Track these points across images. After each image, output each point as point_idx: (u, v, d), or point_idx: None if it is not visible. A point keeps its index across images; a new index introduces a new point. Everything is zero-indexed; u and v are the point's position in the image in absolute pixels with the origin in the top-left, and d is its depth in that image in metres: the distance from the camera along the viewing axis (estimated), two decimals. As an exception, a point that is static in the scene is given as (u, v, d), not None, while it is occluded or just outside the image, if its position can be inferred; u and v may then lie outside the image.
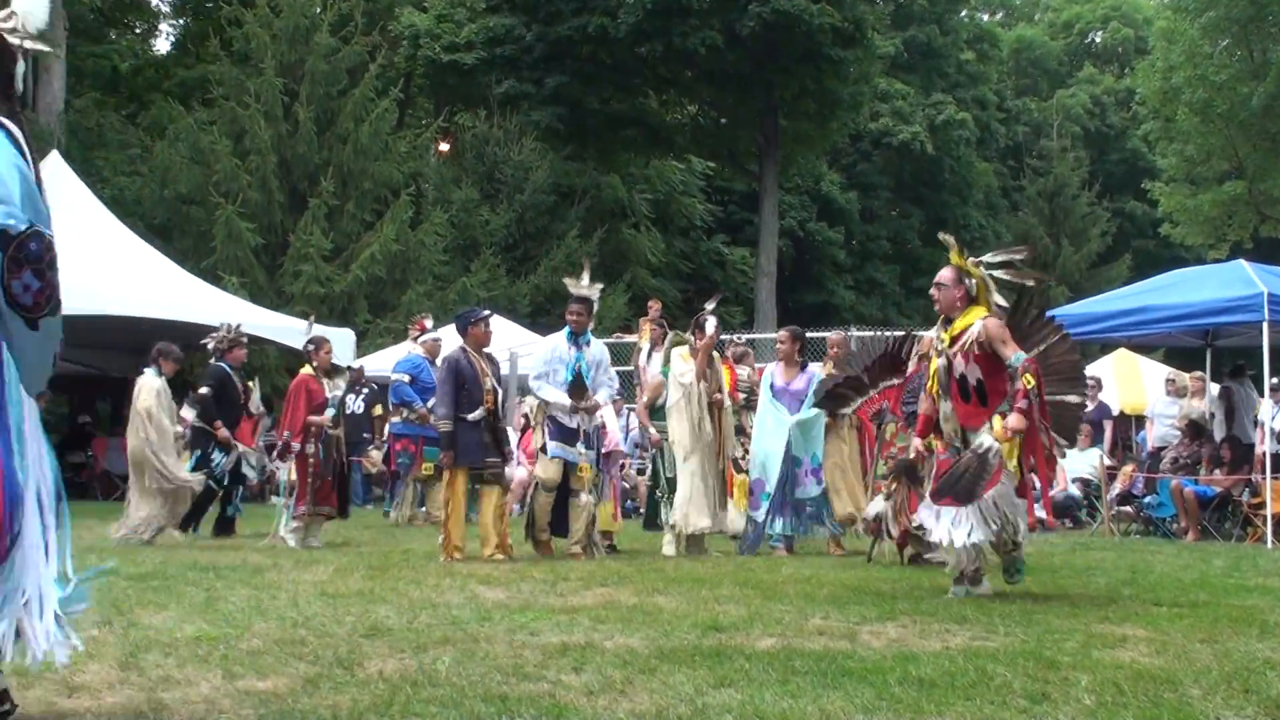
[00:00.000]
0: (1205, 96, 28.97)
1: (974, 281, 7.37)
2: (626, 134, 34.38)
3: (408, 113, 35.31)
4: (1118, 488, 14.62)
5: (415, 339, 15.34)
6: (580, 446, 9.96)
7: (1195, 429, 14.48)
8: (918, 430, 7.82)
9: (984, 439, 7.06)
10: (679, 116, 36.89)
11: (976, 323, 7.19)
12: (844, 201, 42.80)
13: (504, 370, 12.04)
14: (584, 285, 10.25)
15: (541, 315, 26.27)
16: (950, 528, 7.06)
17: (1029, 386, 6.98)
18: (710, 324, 10.61)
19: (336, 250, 24.21)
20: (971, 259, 7.44)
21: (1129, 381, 20.57)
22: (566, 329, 10.28)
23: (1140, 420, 18.12)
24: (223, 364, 12.30)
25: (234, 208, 22.70)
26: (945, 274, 7.44)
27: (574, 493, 10.01)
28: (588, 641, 5.48)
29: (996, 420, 7.09)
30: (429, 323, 15.50)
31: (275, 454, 12.12)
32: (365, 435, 16.46)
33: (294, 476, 11.02)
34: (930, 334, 8.19)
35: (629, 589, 7.44)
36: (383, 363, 19.77)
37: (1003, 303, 7.44)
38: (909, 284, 43.78)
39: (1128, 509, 14.25)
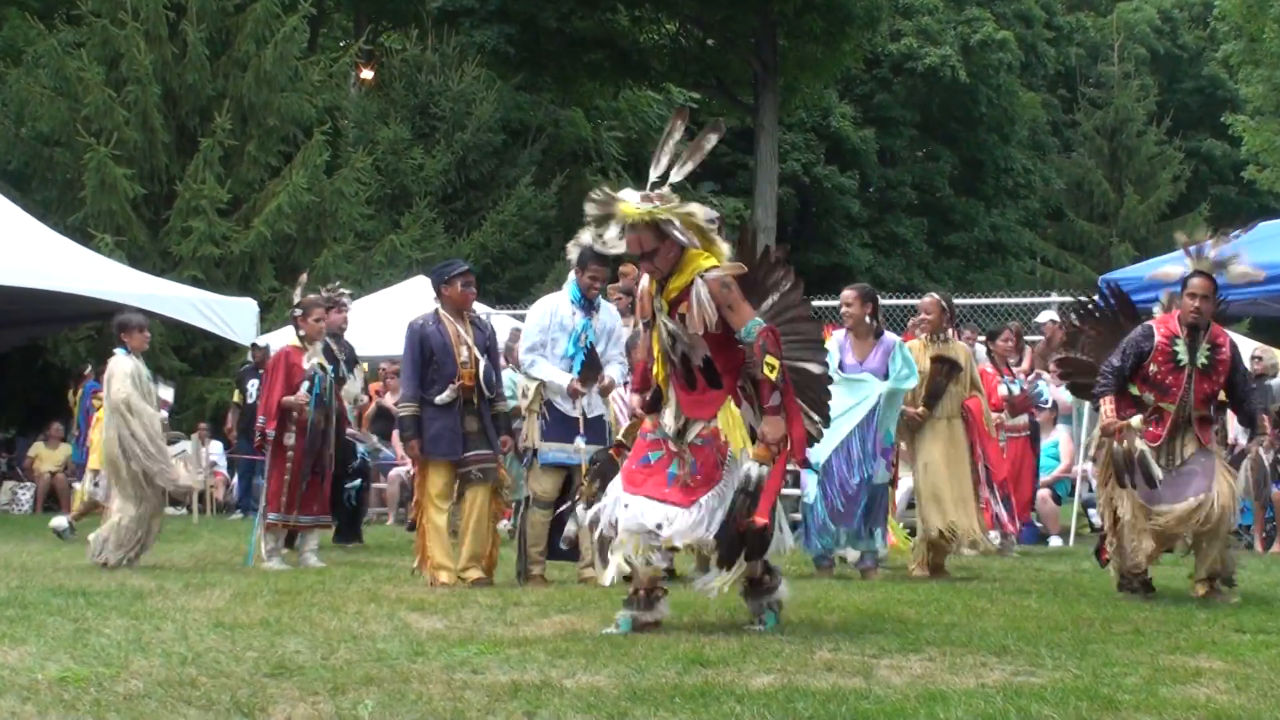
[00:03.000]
0: (1300, 10, 29.06)
1: (673, 223, 6.83)
2: (591, 58, 34.32)
3: (322, 32, 35.12)
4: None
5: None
6: (580, 441, 9.53)
7: (1286, 417, 14.53)
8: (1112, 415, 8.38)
9: (750, 469, 6.74)
10: (655, 37, 36.86)
11: (696, 280, 6.78)
12: (858, 140, 42.84)
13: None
14: (611, 238, 9.06)
15: (488, 280, 26.21)
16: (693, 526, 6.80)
17: (772, 373, 6.70)
18: None
19: (235, 202, 24.08)
20: (659, 195, 6.95)
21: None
22: (571, 286, 9.75)
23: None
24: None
25: (107, 150, 22.54)
26: (629, 236, 6.93)
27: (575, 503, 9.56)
28: (544, 680, 5.49)
29: (722, 421, 6.97)
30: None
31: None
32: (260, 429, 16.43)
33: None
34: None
35: (594, 616, 7.45)
36: (291, 339, 19.71)
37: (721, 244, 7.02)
38: (938, 240, 43.89)
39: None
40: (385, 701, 5.02)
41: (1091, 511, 14.74)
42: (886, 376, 10.23)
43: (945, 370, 10.63)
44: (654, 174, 6.99)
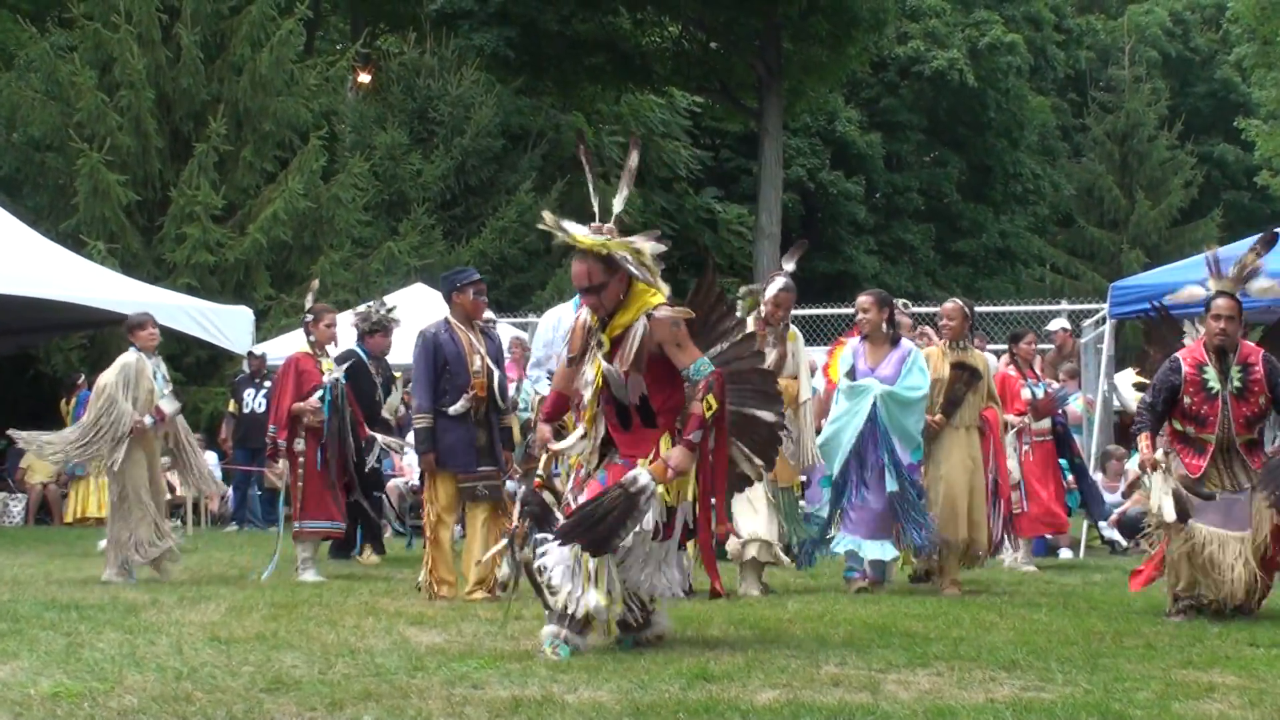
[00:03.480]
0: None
1: (627, 257, 6.79)
2: (592, 62, 34.31)
3: (318, 36, 35.16)
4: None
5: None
6: None
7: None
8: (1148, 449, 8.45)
9: (639, 475, 6.67)
10: (658, 40, 36.84)
11: (640, 319, 6.77)
12: (865, 145, 42.85)
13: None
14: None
15: (489, 288, 26.12)
16: (571, 579, 6.66)
17: (708, 412, 6.70)
18: (774, 286, 10.19)
19: (230, 209, 24.06)
20: (608, 228, 6.94)
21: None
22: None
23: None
24: (358, 347, 12.53)
25: (100, 155, 22.53)
26: (579, 267, 6.84)
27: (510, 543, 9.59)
28: (545, 695, 5.50)
29: (664, 445, 6.83)
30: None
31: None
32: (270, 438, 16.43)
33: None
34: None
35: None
36: (289, 349, 19.73)
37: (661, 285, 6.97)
38: (946, 247, 43.89)
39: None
40: (383, 717, 5.03)
41: (1102, 525, 14.79)
42: None
43: (965, 378, 10.52)
44: (617, 205, 7.04)
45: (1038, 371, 13.42)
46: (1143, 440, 8.57)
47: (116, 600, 9.02)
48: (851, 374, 10.34)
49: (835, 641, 7.15)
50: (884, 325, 10.39)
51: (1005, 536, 11.08)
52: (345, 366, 11.55)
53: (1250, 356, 8.61)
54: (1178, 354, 8.75)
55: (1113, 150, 42.97)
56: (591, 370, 6.93)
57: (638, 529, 6.63)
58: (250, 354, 18.04)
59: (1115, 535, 14.85)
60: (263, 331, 20.27)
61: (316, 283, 12.68)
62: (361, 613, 8.37)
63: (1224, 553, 8.39)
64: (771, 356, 10.03)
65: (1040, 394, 12.79)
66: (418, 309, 15.61)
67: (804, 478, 10.48)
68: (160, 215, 23.64)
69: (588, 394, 6.98)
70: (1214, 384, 8.50)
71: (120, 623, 7.76)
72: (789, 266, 10.35)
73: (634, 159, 7.18)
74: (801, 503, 10.45)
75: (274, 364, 17.74)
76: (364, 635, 7.31)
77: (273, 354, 18.62)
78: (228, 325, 17.92)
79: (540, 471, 7.28)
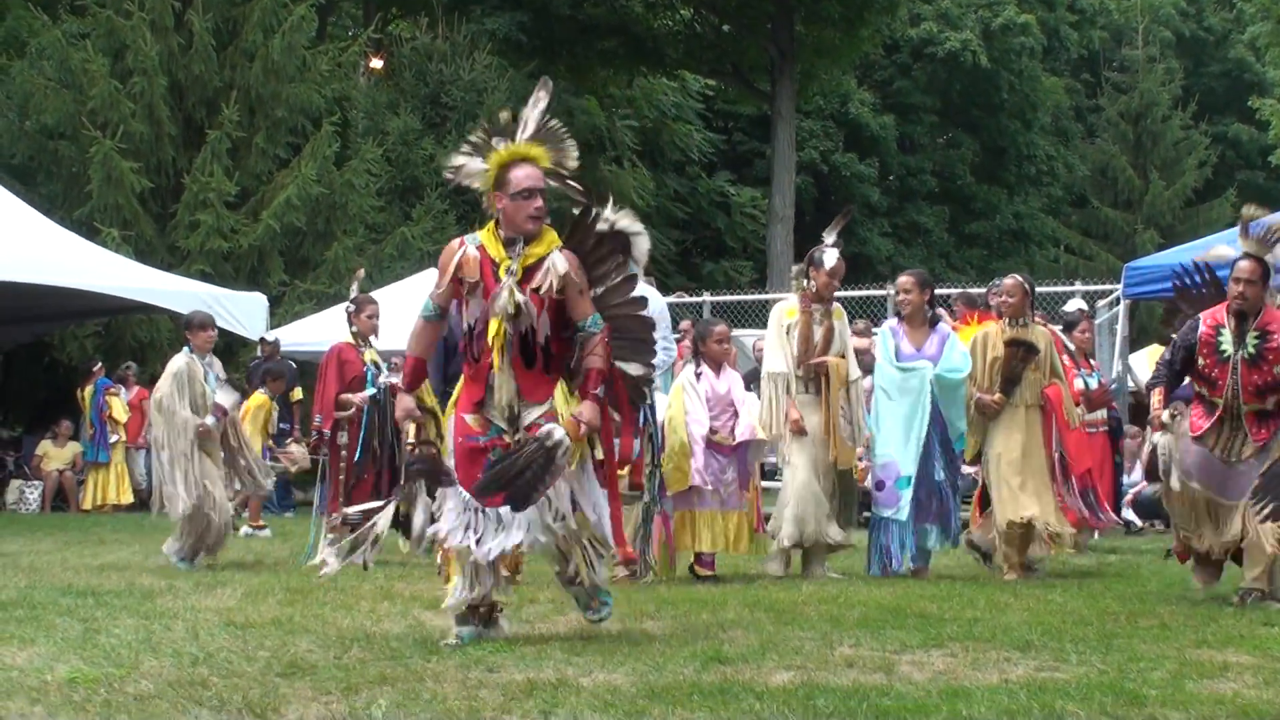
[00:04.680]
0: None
1: (569, 179, 6.88)
2: (604, 46, 34.26)
3: (330, 22, 35.11)
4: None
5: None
6: None
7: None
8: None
9: (554, 430, 6.48)
10: (670, 23, 36.76)
11: (553, 252, 6.62)
12: (878, 127, 42.75)
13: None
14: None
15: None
16: (493, 535, 6.50)
17: (600, 366, 6.59)
18: (830, 257, 10.04)
19: (243, 195, 24.08)
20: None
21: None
22: None
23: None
24: None
25: (113, 143, 22.56)
26: (531, 169, 6.74)
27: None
28: (560, 679, 5.50)
29: (561, 403, 6.62)
30: None
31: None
32: (283, 426, 16.47)
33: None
34: None
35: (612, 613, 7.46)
36: (303, 335, 19.77)
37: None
38: (960, 229, 43.79)
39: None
40: (399, 701, 5.04)
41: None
42: None
43: (1020, 354, 10.11)
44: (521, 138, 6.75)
45: (1092, 362, 13.05)
46: (1155, 395, 8.50)
47: (132, 586, 9.05)
48: (896, 356, 10.20)
49: (850, 623, 7.15)
50: (925, 307, 10.30)
51: (1096, 514, 10.74)
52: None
53: (1270, 324, 8.25)
54: (1202, 313, 8.52)
55: (1126, 131, 42.89)
56: (503, 301, 6.51)
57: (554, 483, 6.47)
58: (263, 340, 18.05)
59: (1131, 515, 14.82)
60: (277, 317, 20.29)
61: (361, 272, 12.56)
62: (376, 597, 8.38)
63: (1217, 512, 8.33)
64: (819, 333, 10.03)
65: (1094, 384, 12.35)
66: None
67: (863, 462, 10.38)
68: (174, 202, 23.65)
69: (492, 329, 6.56)
70: (1227, 347, 8.25)
71: (136, 609, 7.78)
72: (830, 239, 10.21)
73: (542, 98, 6.86)
74: (887, 509, 10.19)
75: (287, 350, 17.84)
76: (379, 620, 7.33)
77: (288, 340, 18.67)
78: (242, 311, 17.95)
79: (413, 440, 7.11)
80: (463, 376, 6.80)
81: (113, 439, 18.60)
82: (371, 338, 11.49)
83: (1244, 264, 8.26)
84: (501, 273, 6.56)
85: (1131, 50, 44.74)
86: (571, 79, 34.38)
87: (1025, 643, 6.42)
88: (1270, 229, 8.34)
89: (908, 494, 9.98)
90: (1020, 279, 10.52)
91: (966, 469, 11.32)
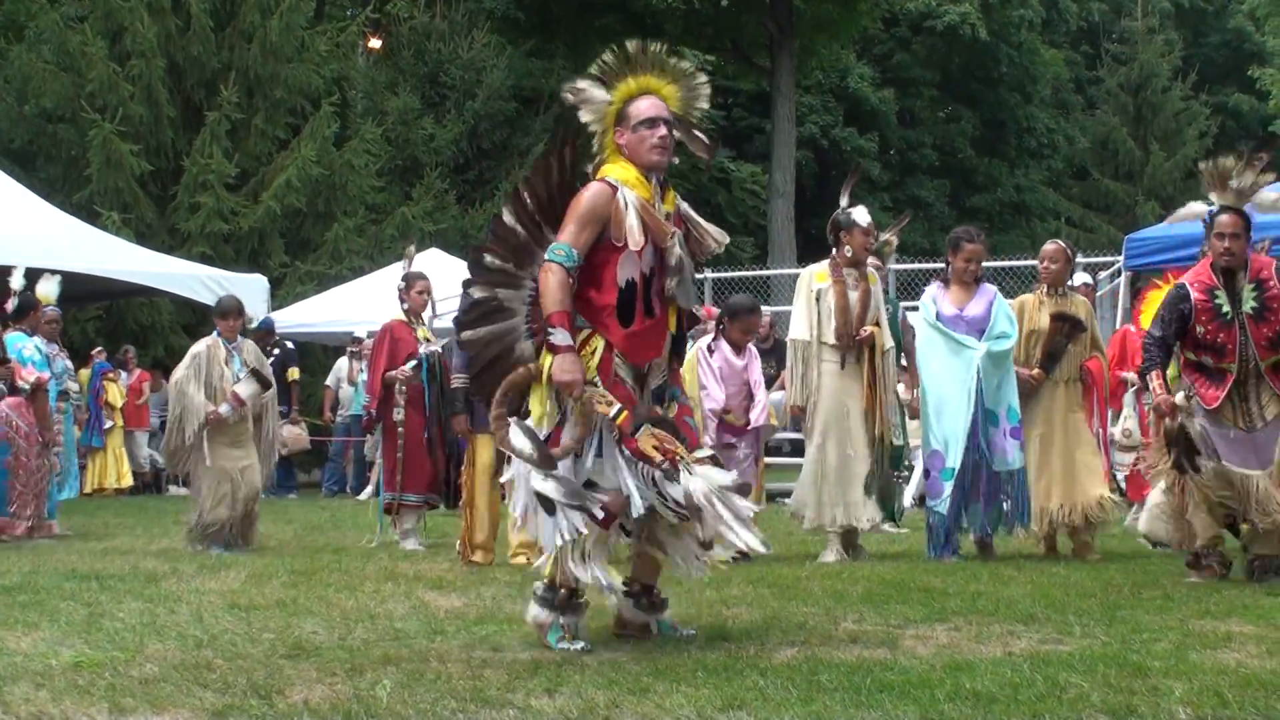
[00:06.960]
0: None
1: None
2: (603, 22, 34.12)
3: (328, 1, 35.03)
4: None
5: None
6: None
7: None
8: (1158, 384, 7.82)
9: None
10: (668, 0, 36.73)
11: (678, 200, 6.24)
12: (878, 102, 42.67)
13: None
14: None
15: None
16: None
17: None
18: (862, 214, 9.87)
19: (243, 176, 24.09)
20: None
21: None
22: None
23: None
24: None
25: (113, 126, 22.56)
26: (656, 100, 6.11)
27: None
28: (564, 657, 5.52)
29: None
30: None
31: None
32: (280, 407, 16.46)
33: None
34: None
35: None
36: (303, 315, 19.77)
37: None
38: (961, 202, 43.71)
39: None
40: (404, 681, 5.04)
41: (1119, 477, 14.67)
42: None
43: (1066, 329, 9.67)
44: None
45: None
46: (1155, 379, 7.95)
47: (136, 570, 9.05)
48: (939, 319, 9.71)
49: (853, 598, 7.15)
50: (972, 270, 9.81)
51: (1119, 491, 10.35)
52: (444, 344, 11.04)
53: (1263, 272, 7.91)
54: (1183, 279, 8.16)
55: (1126, 102, 42.83)
56: (678, 253, 5.99)
57: None
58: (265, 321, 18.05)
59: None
60: (278, 299, 20.29)
61: (413, 248, 12.42)
62: (381, 578, 8.39)
63: (1248, 483, 7.79)
64: (854, 296, 9.76)
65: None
66: (433, 274, 15.58)
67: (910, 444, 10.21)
68: (174, 184, 23.68)
69: (667, 284, 5.99)
70: (1227, 308, 7.84)
71: (140, 592, 7.78)
72: (845, 200, 10.02)
73: None
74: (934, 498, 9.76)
75: (287, 331, 17.84)
76: (383, 600, 7.33)
77: (287, 321, 18.69)
78: (243, 293, 17.75)
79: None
80: (617, 331, 5.92)
81: (107, 424, 18.58)
82: (424, 314, 11.38)
83: (1225, 218, 7.92)
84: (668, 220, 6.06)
85: (1131, 21, 44.66)
86: (570, 57, 34.28)
87: (1029, 616, 6.42)
88: (1242, 176, 7.98)
89: (949, 486, 9.44)
90: (1062, 244, 10.10)
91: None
